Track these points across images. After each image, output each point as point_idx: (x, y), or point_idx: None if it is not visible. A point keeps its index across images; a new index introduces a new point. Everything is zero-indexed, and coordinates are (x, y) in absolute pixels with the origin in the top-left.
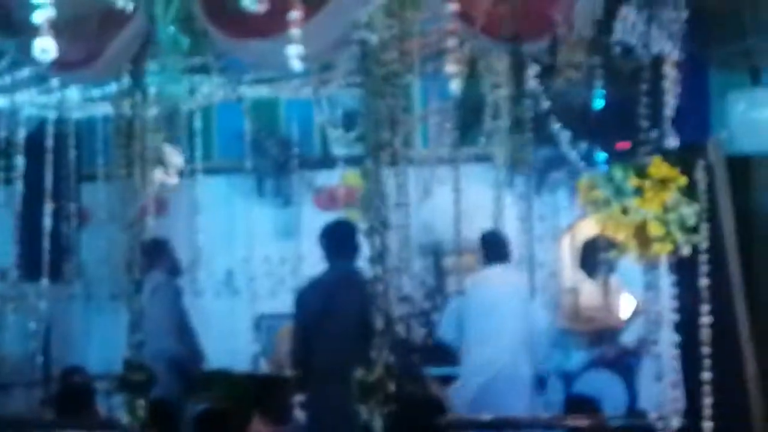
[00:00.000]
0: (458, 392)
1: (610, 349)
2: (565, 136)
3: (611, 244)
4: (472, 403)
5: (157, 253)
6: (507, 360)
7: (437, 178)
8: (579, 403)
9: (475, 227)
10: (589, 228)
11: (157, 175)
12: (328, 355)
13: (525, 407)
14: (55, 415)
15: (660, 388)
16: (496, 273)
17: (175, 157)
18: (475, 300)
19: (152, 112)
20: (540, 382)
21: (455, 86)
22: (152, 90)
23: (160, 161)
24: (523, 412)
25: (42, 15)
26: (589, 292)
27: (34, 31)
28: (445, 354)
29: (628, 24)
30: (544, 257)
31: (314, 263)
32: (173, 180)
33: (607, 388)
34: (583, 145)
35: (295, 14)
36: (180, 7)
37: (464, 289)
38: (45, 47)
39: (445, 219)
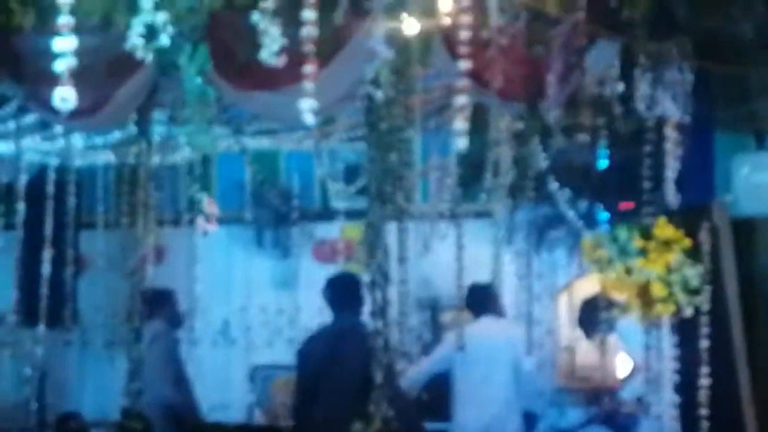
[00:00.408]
0: None
1: (606, 407)
2: (563, 195)
3: (611, 304)
4: None
5: (158, 303)
6: (496, 414)
7: (436, 233)
8: None
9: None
10: (587, 287)
11: (200, 223)
12: (329, 406)
13: None
14: None
15: None
16: (487, 326)
17: (213, 206)
18: (466, 352)
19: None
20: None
21: (462, 143)
22: (181, 140)
23: (200, 210)
24: None
25: (63, 64)
26: (585, 350)
27: (44, 78)
28: (439, 408)
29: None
30: (542, 315)
31: (312, 315)
32: (214, 228)
33: None
34: (583, 205)
35: (309, 68)
36: (206, 58)
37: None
38: (65, 96)
39: (444, 274)
